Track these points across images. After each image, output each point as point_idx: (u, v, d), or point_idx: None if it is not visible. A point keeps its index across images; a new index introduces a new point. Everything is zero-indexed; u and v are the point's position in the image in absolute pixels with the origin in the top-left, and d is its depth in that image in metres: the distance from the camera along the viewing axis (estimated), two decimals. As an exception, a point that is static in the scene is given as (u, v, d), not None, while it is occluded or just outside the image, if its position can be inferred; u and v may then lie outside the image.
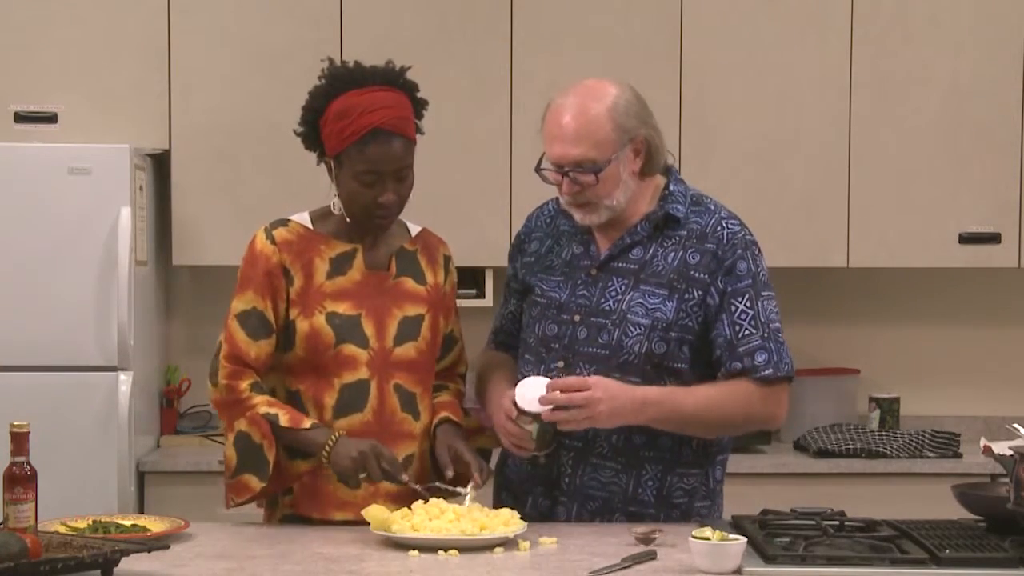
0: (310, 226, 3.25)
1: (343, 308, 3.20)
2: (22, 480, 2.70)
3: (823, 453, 4.90)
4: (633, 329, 3.18)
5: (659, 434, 3.20)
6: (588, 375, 3.15)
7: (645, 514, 3.21)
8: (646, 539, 2.93)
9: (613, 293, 3.22)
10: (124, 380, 4.59)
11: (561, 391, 3.10)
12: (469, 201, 5.01)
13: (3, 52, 4.98)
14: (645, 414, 3.13)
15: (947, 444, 4.94)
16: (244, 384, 3.17)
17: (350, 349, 3.19)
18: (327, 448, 3.09)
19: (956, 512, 3.15)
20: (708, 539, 2.76)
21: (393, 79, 3.21)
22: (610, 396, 3.09)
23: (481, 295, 5.05)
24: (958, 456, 4.91)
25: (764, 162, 5.05)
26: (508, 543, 2.96)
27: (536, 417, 3.11)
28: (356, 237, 3.25)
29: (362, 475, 3.07)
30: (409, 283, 3.28)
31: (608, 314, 3.20)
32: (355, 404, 3.18)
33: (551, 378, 3.17)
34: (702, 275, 3.19)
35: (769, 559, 2.79)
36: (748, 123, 5.04)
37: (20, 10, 4.98)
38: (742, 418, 3.23)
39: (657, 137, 3.22)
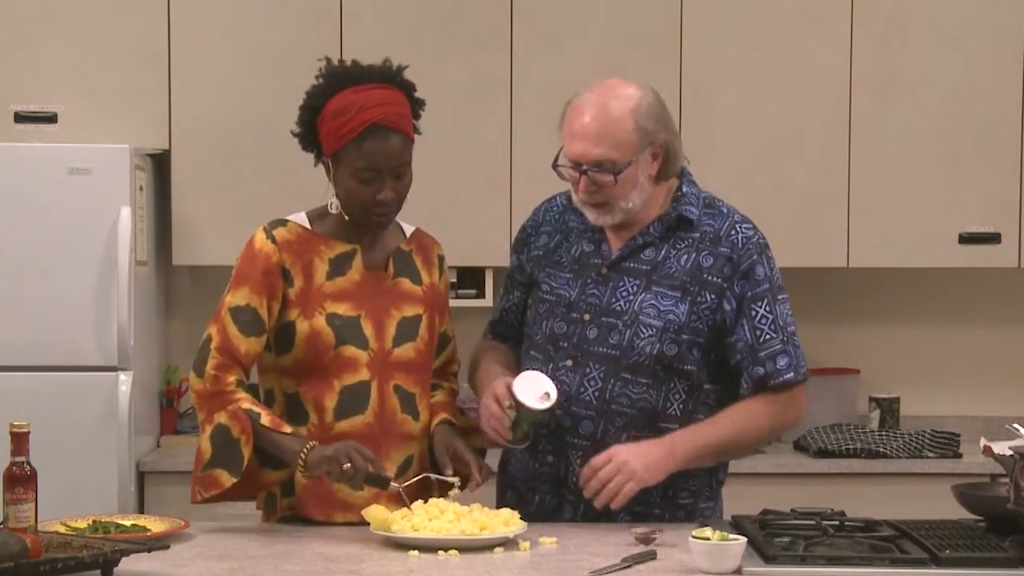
0: (308, 226, 3.24)
1: (343, 309, 3.20)
2: (22, 480, 2.70)
3: (823, 453, 4.90)
4: (645, 330, 3.18)
5: (668, 433, 3.19)
6: (597, 375, 3.17)
7: (650, 514, 3.21)
8: (646, 539, 2.93)
9: (624, 293, 3.21)
10: (124, 380, 4.59)
11: (589, 475, 3.11)
12: (469, 201, 5.01)
13: (3, 52, 4.98)
14: (677, 457, 3.15)
15: (947, 444, 4.94)
16: (231, 378, 3.12)
17: (350, 350, 3.19)
18: (303, 455, 3.03)
19: (956, 512, 3.15)
20: (708, 539, 2.76)
21: (390, 77, 3.21)
22: (636, 455, 3.12)
23: (481, 295, 5.05)
24: (958, 456, 4.91)
25: (764, 162, 5.05)
26: (508, 543, 2.96)
27: (527, 411, 3.10)
28: (354, 237, 3.24)
29: (346, 465, 3.00)
30: (406, 283, 3.28)
31: (619, 314, 3.20)
32: (356, 406, 3.18)
33: (558, 377, 3.18)
34: (716, 279, 3.19)
35: (769, 559, 2.79)
36: (748, 123, 5.04)
37: (20, 10, 4.98)
38: (768, 431, 3.27)
39: (676, 142, 3.22)
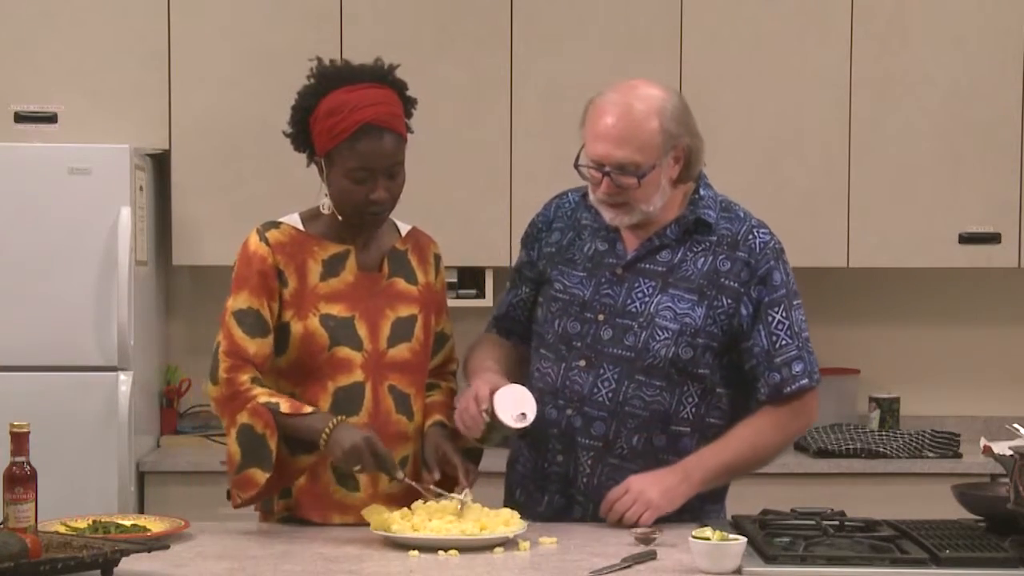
0: (301, 227, 3.23)
1: (337, 310, 3.19)
2: (22, 480, 2.70)
3: (823, 453, 4.90)
4: (661, 333, 3.17)
5: (680, 436, 3.21)
6: (611, 376, 3.17)
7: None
8: (646, 539, 2.93)
9: (640, 295, 3.20)
10: (124, 380, 4.59)
11: (606, 509, 3.13)
12: (469, 201, 5.01)
13: (3, 52, 4.98)
14: (692, 482, 3.16)
15: (947, 444, 4.94)
16: (244, 377, 3.11)
17: (344, 351, 3.18)
18: (325, 434, 3.03)
19: (956, 512, 3.15)
20: (708, 539, 2.76)
21: (382, 76, 3.20)
22: (651, 483, 3.13)
23: (481, 295, 5.05)
24: (958, 456, 4.91)
25: (764, 162, 5.05)
26: (508, 543, 2.96)
27: (501, 425, 3.08)
28: (348, 237, 3.24)
29: (356, 468, 3.04)
30: (401, 284, 3.27)
31: (635, 316, 3.19)
32: (350, 407, 3.17)
33: (571, 377, 3.18)
34: (733, 283, 3.18)
35: (769, 559, 2.79)
36: (748, 123, 5.03)
37: (20, 10, 4.98)
38: (779, 443, 3.27)
39: (699, 145, 3.20)
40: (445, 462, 3.18)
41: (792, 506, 3.19)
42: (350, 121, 3.11)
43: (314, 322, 3.17)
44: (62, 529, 2.96)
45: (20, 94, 4.98)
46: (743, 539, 2.78)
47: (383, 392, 3.20)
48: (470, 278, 5.06)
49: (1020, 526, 2.88)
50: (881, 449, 4.90)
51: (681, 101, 3.20)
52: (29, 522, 2.69)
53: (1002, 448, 3.03)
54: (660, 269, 3.21)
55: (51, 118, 4.98)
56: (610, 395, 3.19)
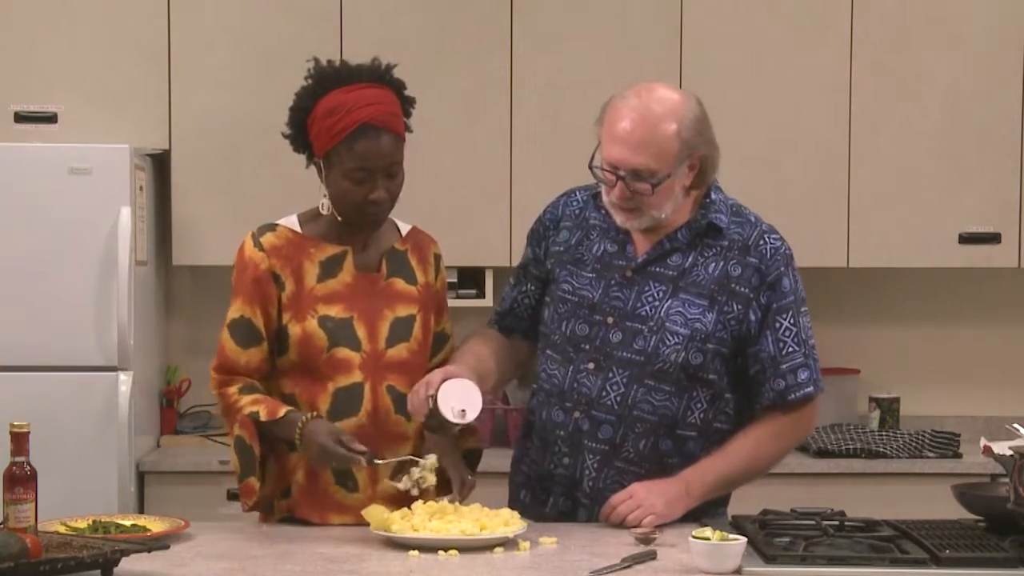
0: (298, 229, 3.23)
1: (335, 311, 3.19)
2: (22, 480, 2.70)
3: (823, 453, 4.90)
4: (671, 338, 3.16)
5: (686, 440, 3.20)
6: (620, 380, 3.16)
7: None
8: (646, 539, 2.93)
9: (650, 299, 3.19)
10: (124, 380, 4.59)
11: (608, 512, 3.13)
12: (469, 201, 5.01)
13: (3, 52, 4.98)
14: (693, 495, 3.16)
15: (947, 444, 4.94)
16: (232, 388, 3.18)
17: (343, 352, 3.18)
18: (298, 439, 3.09)
19: (956, 512, 3.15)
20: (708, 539, 2.76)
21: (380, 76, 3.20)
22: (656, 492, 3.13)
23: (481, 295, 5.05)
24: (958, 456, 4.91)
25: (764, 162, 5.05)
26: (508, 543, 2.96)
27: (439, 415, 3.05)
28: (346, 238, 3.24)
29: (332, 464, 3.08)
30: (400, 284, 3.27)
31: (645, 320, 3.18)
32: (349, 408, 3.17)
33: (579, 379, 3.17)
34: (744, 289, 3.18)
35: (769, 559, 2.79)
36: (748, 123, 5.03)
37: (20, 10, 4.98)
38: (779, 452, 3.27)
39: (715, 154, 3.18)
40: (442, 477, 3.18)
41: (792, 506, 3.19)
42: (347, 121, 3.11)
43: (312, 324, 3.17)
44: (62, 529, 2.96)
45: (20, 94, 4.98)
46: (743, 539, 2.78)
47: (382, 392, 3.20)
48: (470, 278, 5.06)
49: (1020, 526, 2.88)
50: (881, 449, 4.90)
51: (700, 109, 3.17)
52: (29, 522, 2.69)
53: (1002, 448, 3.03)
54: (671, 273, 3.20)
55: (51, 118, 4.98)
56: (618, 399, 3.18)
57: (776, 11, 5.06)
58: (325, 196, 3.20)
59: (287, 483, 3.22)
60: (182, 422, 5.18)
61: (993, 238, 5.07)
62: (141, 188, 4.79)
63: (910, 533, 2.96)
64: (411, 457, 3.12)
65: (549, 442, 3.25)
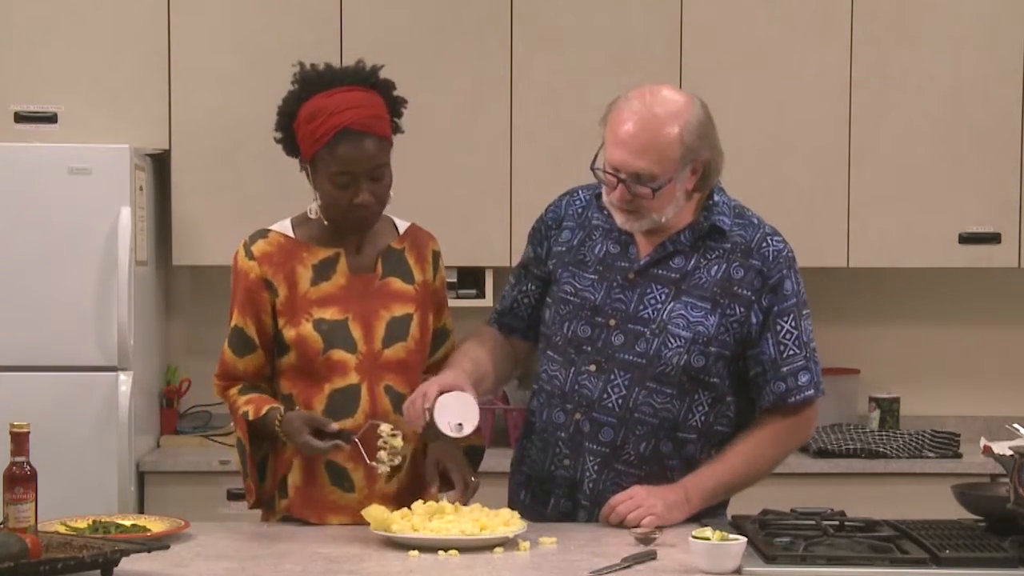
0: (291, 234, 3.23)
1: (330, 314, 3.19)
2: (22, 480, 2.70)
3: (823, 453, 4.90)
4: (673, 341, 3.15)
5: (687, 442, 3.20)
6: (622, 382, 3.16)
7: None
8: (646, 539, 2.93)
9: (652, 301, 3.18)
10: (124, 380, 4.59)
11: (607, 512, 3.14)
12: (469, 201, 5.01)
13: (3, 52, 4.98)
14: (692, 502, 3.17)
15: (947, 444, 4.94)
16: (233, 390, 3.25)
17: (339, 354, 3.18)
18: (281, 436, 3.13)
19: (956, 512, 3.15)
20: (708, 539, 2.76)
21: (364, 79, 3.18)
22: (657, 495, 3.13)
23: (481, 295, 5.05)
24: (958, 456, 4.91)
25: (764, 162, 5.05)
26: (508, 543, 2.96)
27: (436, 429, 3.05)
28: (339, 240, 3.23)
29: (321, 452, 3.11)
30: (396, 283, 3.26)
31: (647, 322, 3.17)
32: (346, 409, 3.17)
33: (580, 381, 3.17)
34: (746, 292, 3.17)
35: (769, 559, 2.79)
36: (748, 123, 5.03)
37: (20, 10, 4.98)
38: (778, 456, 3.28)
39: (718, 159, 3.17)
40: (444, 478, 3.20)
41: (792, 506, 3.19)
42: (328, 126, 3.10)
43: (307, 327, 3.18)
44: (62, 529, 2.96)
45: (20, 94, 4.98)
46: (743, 539, 2.78)
47: (379, 393, 3.20)
48: (470, 278, 5.06)
49: (1020, 526, 2.88)
50: (881, 449, 4.90)
51: (704, 112, 3.15)
52: (29, 522, 2.69)
53: (1002, 448, 3.03)
54: (673, 276, 3.19)
55: (51, 118, 4.98)
56: (620, 401, 3.17)
57: (776, 11, 5.06)
58: (316, 200, 3.19)
59: (284, 474, 3.23)
60: (182, 422, 5.19)
61: (993, 238, 5.07)
62: (141, 188, 4.79)
63: (910, 533, 2.96)
64: (372, 423, 3.11)
65: (550, 443, 3.25)
